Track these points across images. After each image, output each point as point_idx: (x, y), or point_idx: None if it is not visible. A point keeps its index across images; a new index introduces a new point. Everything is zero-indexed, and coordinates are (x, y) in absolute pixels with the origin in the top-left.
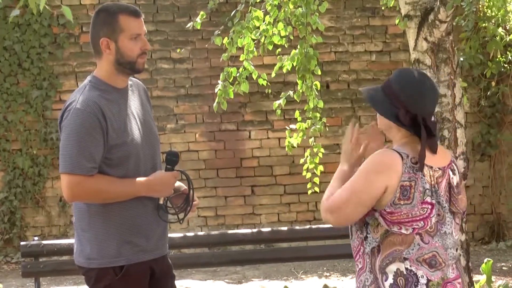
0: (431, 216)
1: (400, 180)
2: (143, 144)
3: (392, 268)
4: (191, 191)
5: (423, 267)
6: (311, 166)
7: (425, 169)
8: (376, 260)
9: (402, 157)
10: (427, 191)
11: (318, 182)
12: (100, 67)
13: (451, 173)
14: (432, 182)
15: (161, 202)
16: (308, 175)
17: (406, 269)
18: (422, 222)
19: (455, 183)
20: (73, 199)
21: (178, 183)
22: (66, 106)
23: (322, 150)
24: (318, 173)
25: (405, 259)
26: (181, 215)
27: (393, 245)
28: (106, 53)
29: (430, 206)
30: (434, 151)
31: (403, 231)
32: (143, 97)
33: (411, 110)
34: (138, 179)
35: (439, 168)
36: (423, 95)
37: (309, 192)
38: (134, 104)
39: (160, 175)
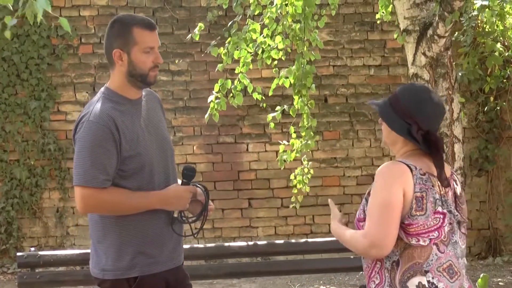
0: (444, 225)
1: (414, 191)
2: (156, 154)
3: (413, 281)
4: (207, 205)
5: (444, 278)
6: (299, 186)
7: (434, 180)
8: (396, 275)
9: (411, 169)
10: (438, 201)
11: (300, 200)
12: (112, 79)
13: (454, 183)
14: (442, 192)
15: (175, 215)
16: (295, 190)
17: (428, 281)
18: (436, 232)
19: (458, 193)
20: (86, 211)
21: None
22: (80, 118)
23: (311, 171)
24: (307, 190)
25: (426, 271)
26: (195, 229)
27: (413, 259)
28: (119, 65)
29: (442, 216)
30: (440, 166)
31: (421, 242)
32: (157, 107)
33: (423, 127)
34: (152, 192)
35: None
36: (434, 112)
37: (291, 205)
38: (147, 115)
39: (175, 189)
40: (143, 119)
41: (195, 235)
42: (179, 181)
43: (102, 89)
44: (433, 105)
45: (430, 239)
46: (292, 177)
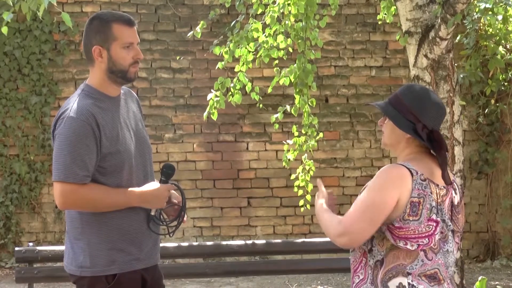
0: (435, 233)
1: (410, 196)
2: (135, 152)
3: (394, 281)
4: (184, 206)
5: (423, 282)
6: (302, 184)
7: (433, 187)
8: (379, 273)
9: (412, 173)
10: (433, 208)
11: (310, 200)
12: (92, 75)
13: (453, 192)
14: (438, 200)
15: (152, 213)
16: (300, 192)
17: (409, 283)
18: (426, 239)
19: (456, 202)
20: (65, 207)
21: (172, 193)
22: (60, 114)
23: (313, 168)
24: (309, 189)
25: (408, 273)
26: (171, 228)
27: (397, 259)
28: (98, 61)
29: (435, 224)
30: (444, 164)
31: (408, 246)
32: (135, 106)
33: (427, 125)
34: (131, 189)
35: (443, 187)
36: (436, 111)
37: (302, 209)
38: (126, 112)
39: (154, 187)
40: (122, 116)
41: (171, 235)
42: (156, 181)
43: (82, 85)
44: (435, 104)
45: (419, 244)
46: (292, 177)
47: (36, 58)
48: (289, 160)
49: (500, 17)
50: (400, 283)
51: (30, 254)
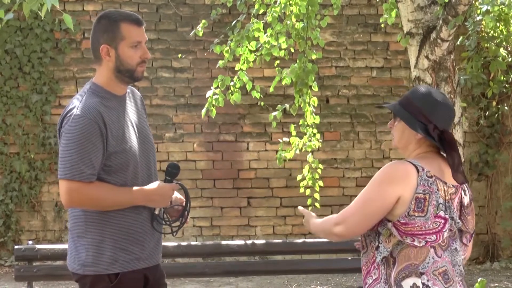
0: (444, 230)
1: (415, 192)
2: (140, 151)
3: (408, 282)
4: (188, 205)
5: (439, 282)
6: (310, 183)
7: (440, 184)
8: (392, 272)
9: (417, 170)
10: (441, 205)
11: (318, 198)
12: (99, 74)
13: (463, 192)
14: (446, 198)
15: (156, 212)
16: (308, 191)
17: (423, 284)
18: (434, 236)
19: (465, 203)
20: (71, 205)
21: (176, 194)
22: (66, 112)
23: (320, 166)
24: (317, 188)
25: (422, 273)
26: (175, 228)
27: (409, 259)
28: (106, 60)
29: (443, 221)
30: (454, 165)
31: (415, 243)
32: (140, 105)
33: (438, 126)
34: (136, 188)
35: (452, 185)
36: (447, 113)
37: (309, 208)
38: (131, 111)
39: (159, 186)
40: (127, 115)
41: (174, 234)
42: (160, 180)
43: (88, 83)
44: (445, 106)
45: (426, 241)
46: (299, 178)
47: (37, 56)
48: (284, 160)
49: (492, 16)
50: (414, 283)
51: (30, 252)
